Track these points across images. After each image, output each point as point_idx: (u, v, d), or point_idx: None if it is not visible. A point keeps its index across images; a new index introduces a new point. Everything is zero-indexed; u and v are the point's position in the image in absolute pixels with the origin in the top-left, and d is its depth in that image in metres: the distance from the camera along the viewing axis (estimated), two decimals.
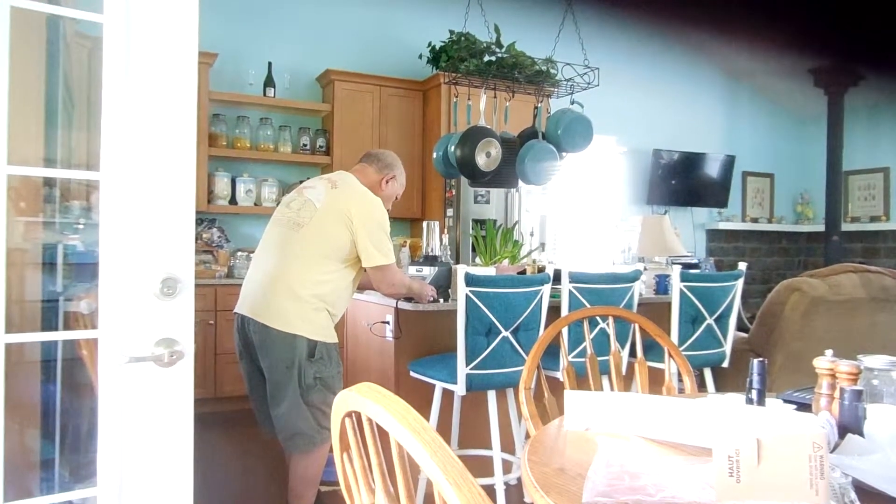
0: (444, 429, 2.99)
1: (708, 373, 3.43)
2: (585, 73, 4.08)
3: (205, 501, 1.51)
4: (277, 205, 2.89)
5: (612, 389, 2.11)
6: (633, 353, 2.94)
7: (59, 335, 1.80)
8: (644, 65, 7.08)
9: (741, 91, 7.94)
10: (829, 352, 1.34)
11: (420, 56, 5.64)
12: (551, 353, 2.62)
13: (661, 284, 3.84)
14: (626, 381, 2.56)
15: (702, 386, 3.36)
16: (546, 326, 2.68)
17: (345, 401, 0.91)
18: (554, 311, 2.93)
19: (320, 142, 5.48)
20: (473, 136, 3.74)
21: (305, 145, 5.44)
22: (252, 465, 3.64)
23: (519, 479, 3.10)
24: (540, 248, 4.96)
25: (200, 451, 1.33)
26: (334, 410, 0.95)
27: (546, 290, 2.83)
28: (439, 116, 5.48)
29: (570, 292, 2.98)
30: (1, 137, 1.10)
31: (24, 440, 1.69)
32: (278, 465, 3.33)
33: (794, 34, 6.41)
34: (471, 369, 2.67)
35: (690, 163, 7.36)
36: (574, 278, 2.99)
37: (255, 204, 5.26)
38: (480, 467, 2.89)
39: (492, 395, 2.79)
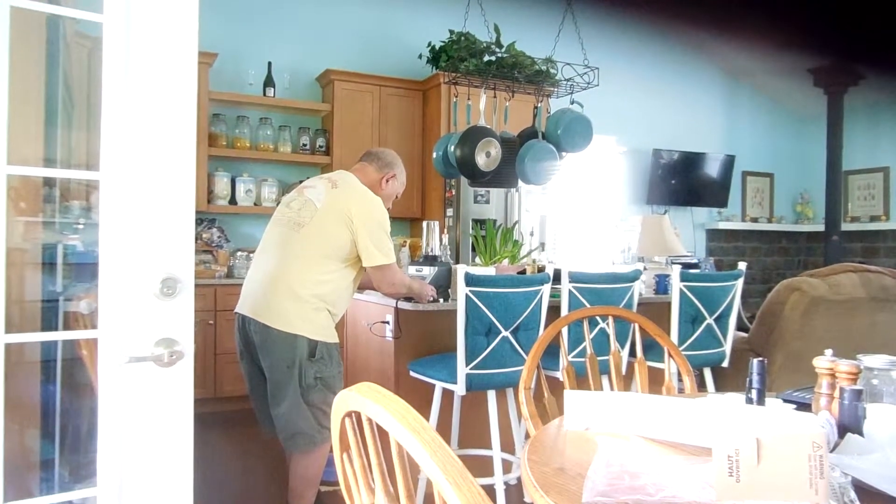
0: (443, 429, 2.99)
1: (708, 372, 3.43)
2: (585, 73, 4.08)
3: (205, 501, 1.51)
4: (277, 205, 2.89)
5: (611, 389, 2.11)
6: (632, 353, 2.94)
7: (59, 335, 1.80)
8: (644, 65, 7.08)
9: (741, 91, 7.94)
10: (828, 351, 1.34)
11: (420, 56, 5.64)
12: (551, 352, 2.62)
13: (661, 284, 3.84)
14: (626, 381, 2.56)
15: (702, 386, 3.36)
16: (546, 326, 2.68)
17: (345, 401, 0.91)
18: (554, 310, 2.93)
19: (320, 142, 5.48)
20: (473, 136, 3.74)
21: (305, 145, 5.44)
22: (252, 465, 3.64)
23: (519, 479, 3.10)
24: (540, 247, 4.96)
25: (200, 451, 1.33)
26: (334, 410, 0.95)
27: (546, 289, 2.83)
28: (439, 116, 5.48)
29: (570, 292, 2.98)
30: (1, 137, 1.10)
31: (24, 440, 1.69)
32: (278, 465, 3.33)
33: (794, 34, 6.41)
34: (471, 369, 2.67)
35: (690, 162, 7.36)
36: (574, 278, 2.99)
37: (255, 204, 5.26)
38: (480, 467, 2.89)
39: (492, 395, 2.79)
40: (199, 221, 5.11)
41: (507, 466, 3.09)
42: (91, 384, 1.39)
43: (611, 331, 2.10)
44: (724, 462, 0.96)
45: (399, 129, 5.63)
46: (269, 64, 5.31)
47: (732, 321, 3.42)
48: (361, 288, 2.98)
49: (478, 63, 4.53)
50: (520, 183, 4.12)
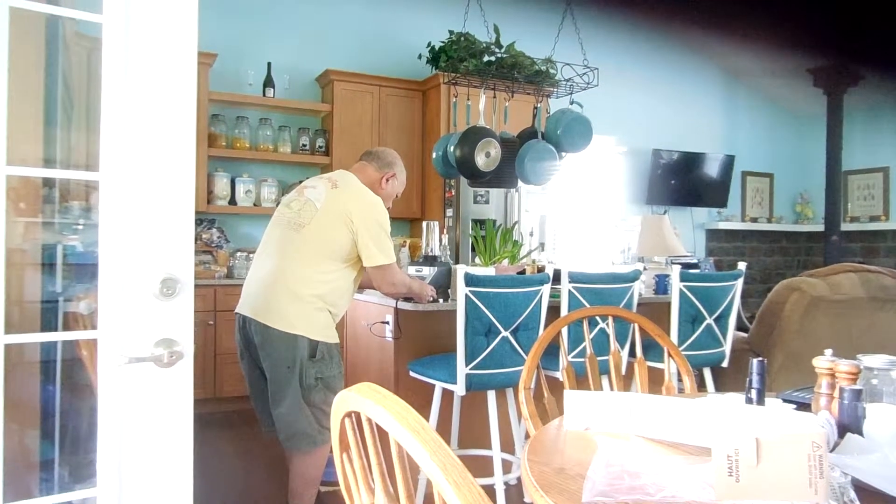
0: (443, 429, 2.99)
1: (707, 372, 3.43)
2: (585, 73, 4.08)
3: (205, 501, 1.51)
4: (277, 205, 2.89)
5: (611, 389, 2.11)
6: (632, 353, 2.94)
7: (59, 336, 1.80)
8: (644, 65, 7.09)
9: (741, 91, 7.94)
10: (828, 351, 1.34)
11: (419, 56, 5.64)
12: (551, 352, 2.62)
13: (661, 284, 3.84)
14: (626, 381, 2.56)
15: (701, 386, 3.36)
16: (546, 326, 2.68)
17: (344, 401, 0.91)
18: (553, 310, 2.93)
19: (319, 142, 5.48)
20: (473, 137, 3.74)
21: (305, 145, 5.44)
22: (252, 465, 3.64)
23: (519, 479, 3.10)
24: (539, 247, 4.96)
25: (200, 451, 1.33)
26: (334, 411, 0.95)
27: (545, 290, 2.83)
28: (439, 116, 5.48)
29: (570, 292, 2.98)
30: (0, 137, 1.10)
31: (23, 441, 1.69)
32: (278, 465, 3.33)
33: (794, 34, 6.42)
34: (470, 369, 2.67)
35: (690, 162, 7.36)
36: (573, 278, 2.99)
37: (255, 204, 5.26)
38: (480, 467, 2.89)
39: (491, 395, 2.79)
40: (198, 222, 5.10)
41: (507, 466, 3.09)
42: (91, 385, 1.38)
43: (610, 331, 2.10)
44: (723, 462, 0.96)
45: (399, 130, 5.63)
46: (269, 64, 5.31)
47: (732, 321, 3.42)
48: (361, 287, 2.98)
49: (477, 63, 4.53)
50: (519, 183, 4.12)
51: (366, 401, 0.85)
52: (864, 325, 3.88)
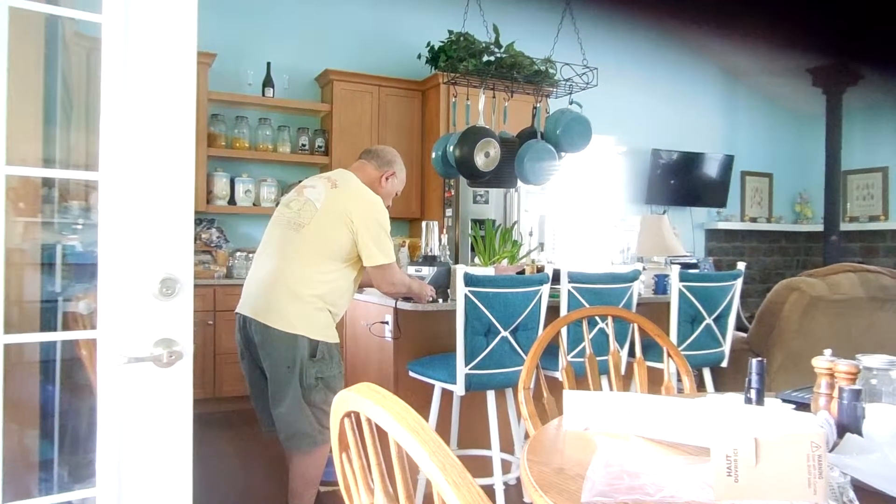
0: (443, 429, 2.99)
1: (707, 372, 3.43)
2: (584, 73, 4.08)
3: (204, 501, 1.51)
4: (276, 205, 2.89)
5: (611, 389, 2.11)
6: (632, 353, 2.94)
7: (58, 335, 1.80)
8: (643, 65, 7.09)
9: (740, 91, 7.95)
10: (827, 351, 1.34)
11: (419, 56, 5.64)
12: (550, 352, 2.62)
13: (660, 284, 3.84)
14: (626, 381, 2.56)
15: (701, 386, 3.37)
16: (545, 326, 2.68)
17: (344, 401, 0.91)
18: (553, 310, 2.93)
19: (319, 142, 5.48)
20: (472, 136, 3.74)
21: (304, 145, 5.44)
22: (251, 465, 3.64)
23: (518, 479, 3.10)
24: (539, 247, 4.96)
25: (200, 451, 1.33)
26: (333, 411, 0.95)
27: (545, 290, 2.83)
28: (438, 116, 5.48)
29: (569, 292, 2.98)
30: (0, 137, 1.10)
31: (23, 440, 1.69)
32: (278, 465, 3.33)
33: (793, 34, 6.42)
34: (470, 369, 2.67)
35: (689, 162, 7.36)
36: (573, 278, 2.99)
37: (254, 204, 5.26)
38: (480, 467, 2.89)
39: (491, 395, 2.79)
40: (198, 222, 5.10)
41: (506, 466, 3.09)
42: (90, 384, 1.38)
43: (610, 331, 2.10)
44: (722, 462, 0.96)
45: (398, 130, 5.63)
46: (268, 64, 5.31)
47: (731, 321, 3.42)
48: (362, 286, 2.98)
49: (477, 63, 4.53)
50: (519, 183, 4.12)
51: (365, 401, 0.85)
52: (864, 325, 3.88)
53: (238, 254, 5.08)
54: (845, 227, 7.62)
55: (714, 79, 7.77)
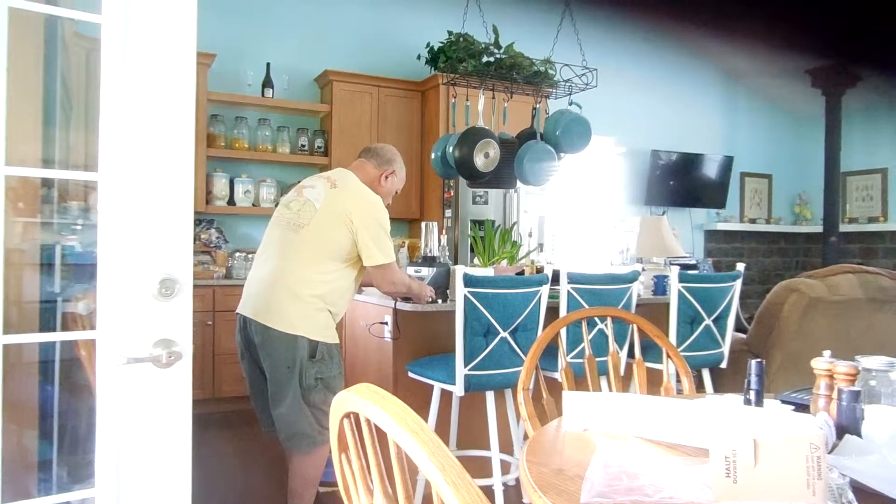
0: (442, 429, 2.99)
1: (706, 373, 3.43)
2: (584, 74, 4.09)
3: (203, 502, 1.50)
4: (276, 205, 2.89)
5: (610, 390, 2.11)
6: (631, 354, 2.94)
7: (58, 336, 1.80)
8: (642, 65, 7.09)
9: (739, 92, 7.95)
10: (826, 352, 1.34)
11: (418, 57, 5.64)
12: (550, 353, 2.62)
13: (660, 285, 3.84)
14: (625, 382, 2.56)
15: (700, 387, 3.37)
16: (544, 327, 2.68)
17: (343, 402, 0.91)
18: (552, 311, 2.93)
19: (318, 142, 5.48)
20: (472, 137, 3.74)
21: (304, 146, 5.44)
22: (251, 465, 3.64)
23: (517, 480, 3.10)
24: (538, 248, 4.97)
25: (199, 451, 1.33)
26: (332, 411, 0.95)
27: (544, 290, 2.83)
28: (437, 117, 5.48)
29: (569, 293, 2.98)
30: None
31: (22, 441, 1.68)
32: (277, 465, 3.33)
33: (793, 35, 6.42)
34: (469, 370, 2.67)
35: (689, 163, 7.36)
36: (572, 279, 2.99)
37: (254, 204, 5.26)
38: (479, 468, 2.89)
39: (490, 396, 2.79)
40: (197, 222, 5.10)
41: (505, 467, 3.09)
42: (89, 385, 1.38)
43: (609, 332, 2.10)
44: (721, 463, 0.96)
45: (397, 130, 5.63)
46: (268, 65, 5.31)
47: (731, 322, 3.42)
48: (361, 286, 2.98)
49: (476, 64, 4.53)
50: (518, 184, 4.12)
51: (364, 402, 0.85)
52: (863, 327, 3.88)
53: (237, 254, 5.07)
54: (844, 228, 7.62)
55: (713, 80, 7.77)
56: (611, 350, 2.07)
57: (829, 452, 1.14)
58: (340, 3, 5.73)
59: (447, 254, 3.59)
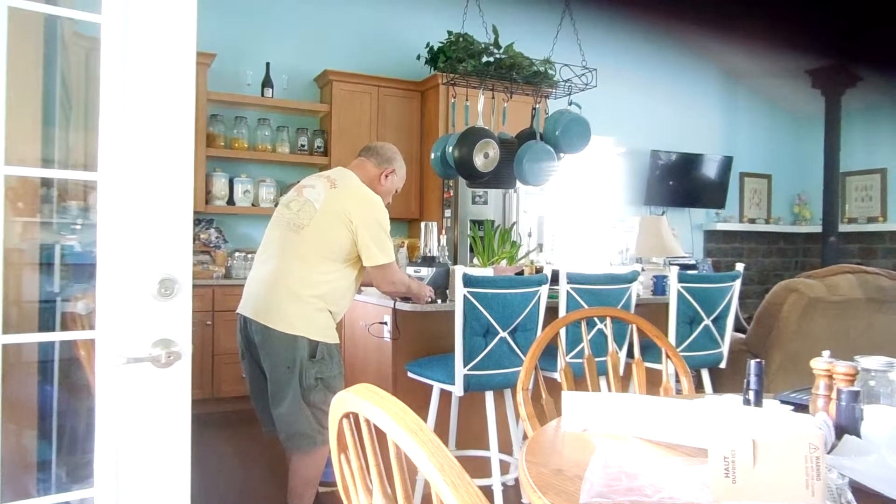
0: (441, 430, 2.99)
1: (705, 374, 3.43)
2: (583, 74, 4.09)
3: (203, 502, 1.50)
4: (275, 205, 2.89)
5: (609, 390, 2.11)
6: (630, 354, 2.94)
7: (57, 336, 1.80)
8: (642, 66, 7.09)
9: (739, 92, 7.95)
10: (826, 353, 1.34)
11: (418, 57, 5.64)
12: (549, 353, 2.62)
13: (659, 285, 3.84)
14: (624, 382, 2.56)
15: (699, 387, 3.37)
16: (544, 327, 2.68)
17: (342, 402, 0.91)
18: (552, 311, 2.93)
19: (318, 142, 5.48)
20: (471, 137, 3.74)
21: (303, 146, 5.44)
22: (250, 465, 3.64)
23: (517, 480, 3.10)
24: (538, 248, 4.97)
25: (198, 451, 1.33)
26: (332, 411, 0.95)
27: (544, 290, 2.83)
28: (437, 117, 5.48)
29: (568, 293, 2.98)
30: None
31: (21, 441, 1.68)
32: (276, 465, 3.33)
33: (792, 35, 6.42)
34: (468, 370, 2.67)
35: (688, 163, 7.36)
36: (572, 279, 2.99)
37: (253, 204, 5.25)
38: (478, 468, 2.89)
39: (489, 396, 2.79)
40: (196, 222, 5.10)
41: (504, 467, 3.09)
42: (88, 385, 1.38)
43: (608, 332, 2.10)
44: (720, 463, 0.96)
45: (397, 130, 5.63)
46: (268, 64, 5.31)
47: (730, 322, 3.42)
48: (361, 286, 2.98)
49: (476, 64, 4.54)
50: (518, 184, 4.12)
51: (364, 402, 0.85)
52: (862, 327, 3.88)
53: (237, 254, 5.07)
54: (844, 228, 7.62)
55: (713, 80, 7.77)
56: (610, 350, 2.07)
57: (829, 453, 1.15)
58: (340, 3, 5.73)
59: (446, 254, 3.59)
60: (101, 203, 1.17)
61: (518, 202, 5.57)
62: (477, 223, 5.04)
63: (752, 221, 8.04)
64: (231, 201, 5.19)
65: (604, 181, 7.05)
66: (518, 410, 1.84)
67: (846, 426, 1.21)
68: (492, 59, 4.67)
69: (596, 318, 2.87)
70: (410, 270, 3.33)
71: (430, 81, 5.58)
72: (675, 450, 1.27)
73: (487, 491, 2.68)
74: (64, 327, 1.85)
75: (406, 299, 2.97)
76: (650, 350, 3.02)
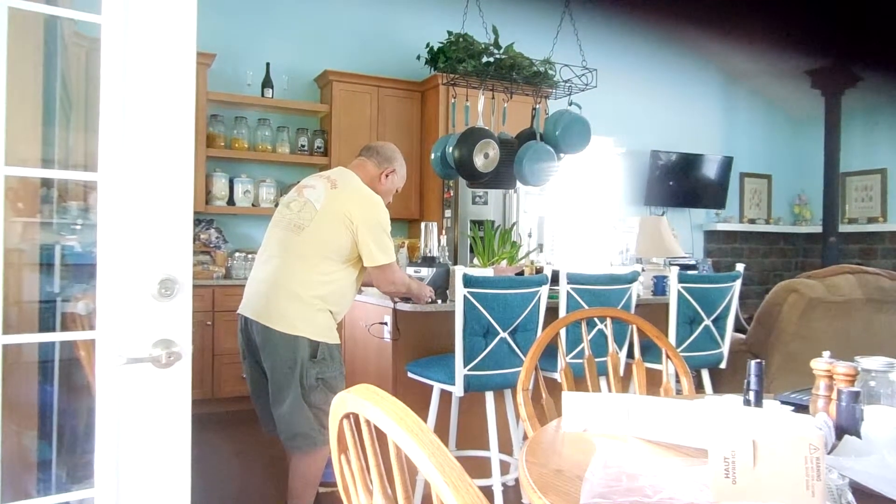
0: (441, 430, 2.99)
1: (705, 374, 3.43)
2: (583, 74, 4.09)
3: (203, 502, 1.50)
4: (276, 206, 2.89)
5: (609, 391, 2.11)
6: (630, 355, 2.94)
7: (57, 336, 1.80)
8: (642, 66, 7.09)
9: (739, 92, 7.95)
10: (826, 353, 1.34)
11: (418, 57, 5.63)
12: (549, 354, 2.62)
13: (659, 285, 3.84)
14: (624, 383, 2.56)
15: (699, 387, 3.37)
16: (544, 327, 2.68)
17: (343, 402, 0.91)
18: (552, 312, 2.93)
19: (318, 142, 5.48)
20: (471, 137, 3.74)
21: (303, 146, 5.44)
22: (250, 465, 3.64)
23: (517, 481, 3.10)
24: (538, 248, 4.97)
25: (198, 451, 1.33)
26: (332, 412, 0.95)
27: (544, 291, 2.83)
28: (437, 117, 5.48)
29: (568, 293, 2.98)
30: None
31: (21, 441, 1.68)
32: (276, 465, 3.33)
33: (792, 35, 6.42)
34: (469, 370, 2.67)
35: (688, 164, 7.36)
36: (572, 279, 2.99)
37: (253, 205, 5.25)
38: (478, 468, 2.89)
39: (490, 396, 2.79)
40: (196, 222, 5.10)
41: (505, 468, 3.09)
42: (89, 385, 1.38)
43: (609, 332, 2.10)
44: (720, 464, 0.96)
45: (397, 130, 5.63)
46: (268, 65, 5.31)
47: (730, 322, 3.42)
48: (362, 285, 2.98)
49: (476, 64, 4.53)
50: (518, 184, 4.12)
51: (364, 402, 0.85)
52: (862, 327, 3.88)
53: (237, 254, 5.07)
54: (844, 228, 7.62)
55: (713, 80, 7.77)
56: (610, 350, 2.07)
57: (829, 453, 1.15)
58: (340, 3, 5.73)
59: (447, 254, 3.59)
60: (101, 203, 1.17)
61: (518, 202, 5.57)
62: (477, 223, 5.04)
63: (753, 222, 8.04)
64: (231, 201, 5.19)
65: (604, 181, 7.05)
66: (518, 411, 1.84)
67: (846, 427, 1.21)
68: (492, 59, 4.67)
69: (596, 319, 2.87)
70: (411, 271, 3.33)
71: (430, 82, 5.58)
72: (676, 450, 1.27)
73: (487, 491, 2.68)
74: (64, 327, 1.85)
75: (406, 299, 2.97)
76: (650, 350, 3.02)
